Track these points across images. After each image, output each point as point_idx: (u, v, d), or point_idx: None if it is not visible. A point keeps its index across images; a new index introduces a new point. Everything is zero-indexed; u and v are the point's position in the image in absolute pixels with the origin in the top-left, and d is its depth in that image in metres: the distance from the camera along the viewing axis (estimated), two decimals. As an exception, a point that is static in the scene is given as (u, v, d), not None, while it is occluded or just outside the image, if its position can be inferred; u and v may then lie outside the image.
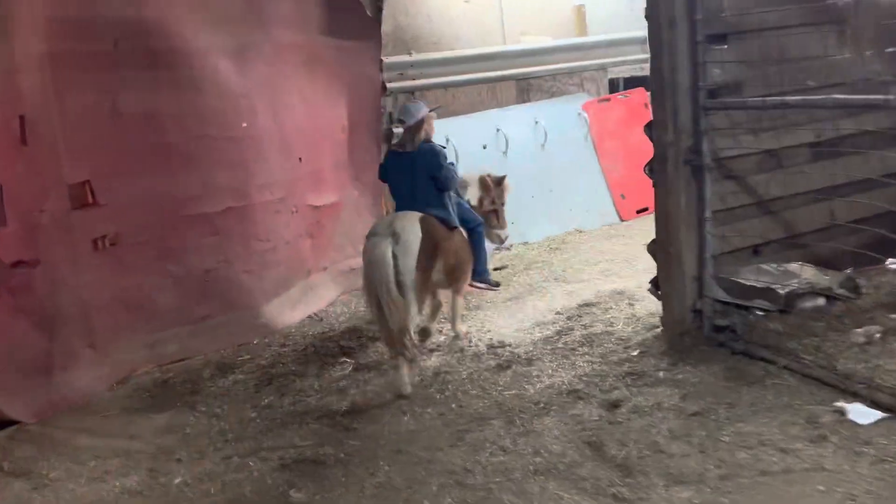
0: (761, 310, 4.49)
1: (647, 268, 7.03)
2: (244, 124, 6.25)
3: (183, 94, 5.80)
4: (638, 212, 9.16)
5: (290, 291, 6.83)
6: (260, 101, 6.43)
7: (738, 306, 4.54)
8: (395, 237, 4.88)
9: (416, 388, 5.02)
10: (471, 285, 6.10)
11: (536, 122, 8.83)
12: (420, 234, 4.95)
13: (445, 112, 8.67)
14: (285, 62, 6.79)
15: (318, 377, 5.49)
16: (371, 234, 5.06)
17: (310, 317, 6.91)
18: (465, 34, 9.01)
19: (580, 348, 5.33)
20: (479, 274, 6.04)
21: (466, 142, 8.40)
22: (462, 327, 5.87)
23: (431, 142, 5.55)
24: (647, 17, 4.65)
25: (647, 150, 9.41)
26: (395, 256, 4.82)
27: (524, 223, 8.44)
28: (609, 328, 5.66)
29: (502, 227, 6.41)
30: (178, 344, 5.97)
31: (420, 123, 5.42)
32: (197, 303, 6.05)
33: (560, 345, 5.45)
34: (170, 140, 5.77)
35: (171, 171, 5.80)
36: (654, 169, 4.74)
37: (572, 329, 5.73)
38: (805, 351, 4.17)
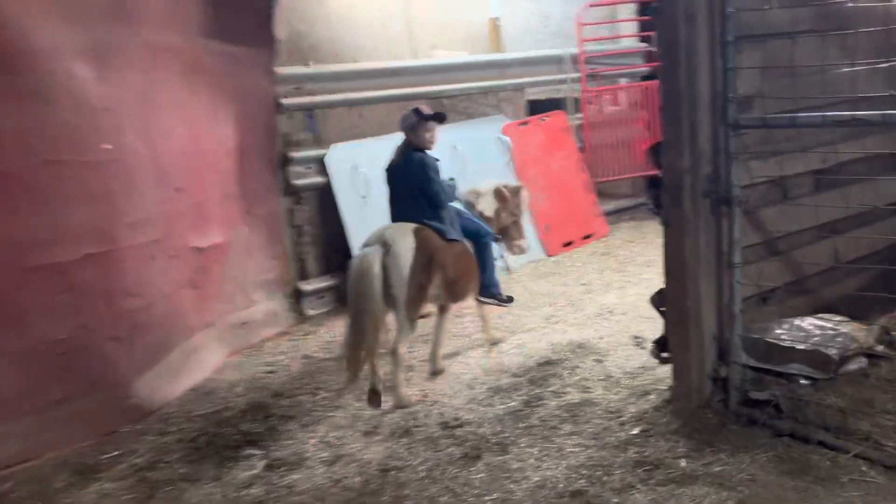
0: (804, 377, 3.57)
1: (597, 313, 6.15)
2: (107, 146, 4.76)
3: (25, 107, 4.28)
4: (564, 245, 8.27)
5: (168, 358, 5.33)
6: (127, 116, 4.97)
7: (775, 373, 3.60)
8: (386, 247, 4.57)
9: (361, 496, 3.74)
10: (478, 300, 5.49)
11: (455, 147, 7.77)
12: (413, 245, 4.62)
13: (355, 133, 7.46)
14: (159, 69, 5.36)
15: (217, 481, 4.08)
16: (362, 246, 4.76)
17: (194, 389, 5.43)
18: (369, 45, 7.83)
19: (562, 426, 4.23)
20: (487, 288, 5.43)
21: (376, 169, 7.22)
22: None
23: (424, 152, 5.06)
24: (657, 10, 3.67)
25: (568, 177, 9.01)
26: (384, 268, 4.52)
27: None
28: (587, 394, 4.62)
29: (522, 237, 5.97)
30: (20, 440, 4.38)
31: (410, 131, 5.05)
32: (46, 384, 4.47)
33: (535, 421, 4.33)
34: (7, 167, 4.22)
35: (11, 207, 4.25)
36: (664, 203, 3.74)
37: (542, 398, 4.63)
38: (884, 434, 3.26)
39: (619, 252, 8.04)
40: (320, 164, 7.13)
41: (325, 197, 7.14)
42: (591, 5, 9.52)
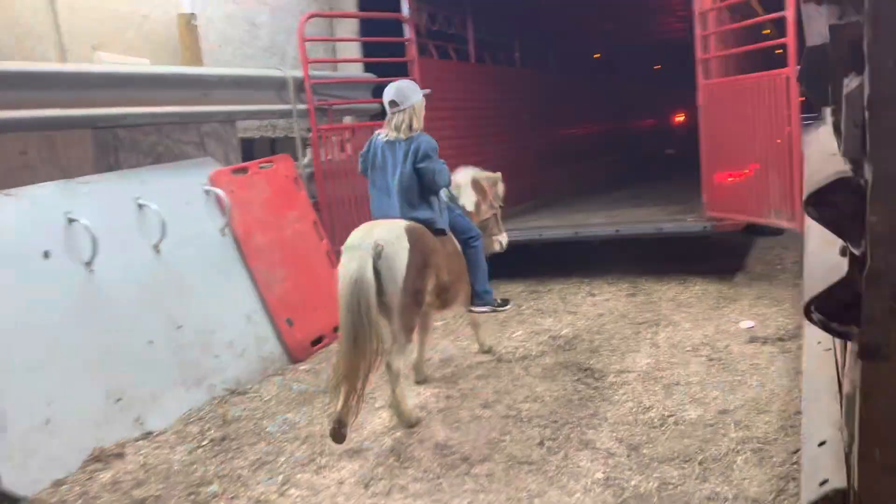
0: None
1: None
2: None
3: None
4: (312, 344, 5.76)
5: None
6: None
7: None
8: (378, 250, 4.05)
9: None
10: (471, 311, 5.01)
11: (141, 206, 4.87)
12: (408, 246, 4.15)
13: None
14: None
15: None
16: (347, 248, 4.14)
17: None
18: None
19: None
20: (480, 296, 4.93)
21: (4, 244, 4.07)
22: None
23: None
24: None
25: (307, 246, 6.44)
26: (377, 273, 4.02)
27: (138, 395, 4.40)
28: None
29: (501, 231, 5.58)
30: None
31: (416, 107, 4.51)
32: None
33: None
34: None
35: None
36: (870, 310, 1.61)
37: None
38: None
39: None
40: None
41: None
42: (312, 16, 7.25)
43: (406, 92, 4.51)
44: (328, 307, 5.59)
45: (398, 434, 4.16)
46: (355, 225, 6.78)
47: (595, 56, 15.50)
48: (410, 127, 4.50)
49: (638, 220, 7.60)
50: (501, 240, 5.52)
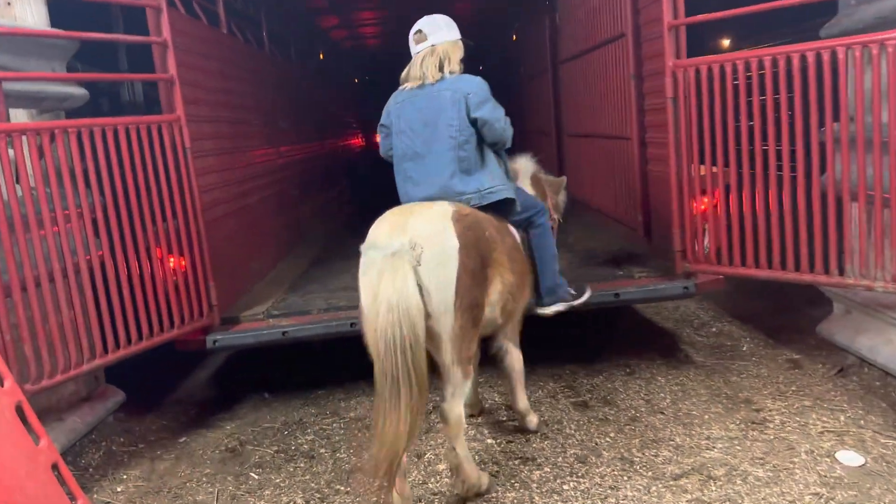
0: None
1: None
2: None
3: None
4: None
5: None
6: None
7: None
8: (416, 251, 2.86)
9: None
10: (540, 313, 3.87)
11: None
12: (457, 244, 2.96)
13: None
14: None
15: None
16: (371, 249, 2.98)
17: None
18: None
19: None
20: (553, 291, 3.85)
21: None
22: (533, 417, 3.79)
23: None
24: None
25: None
26: (419, 288, 2.80)
27: None
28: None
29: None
30: None
31: (449, 48, 3.55)
32: None
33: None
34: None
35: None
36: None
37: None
38: None
39: None
40: None
41: None
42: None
43: (439, 23, 3.56)
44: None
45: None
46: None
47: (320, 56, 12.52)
48: (437, 68, 3.52)
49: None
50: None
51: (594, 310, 4.36)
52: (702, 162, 4.14)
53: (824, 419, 3.72)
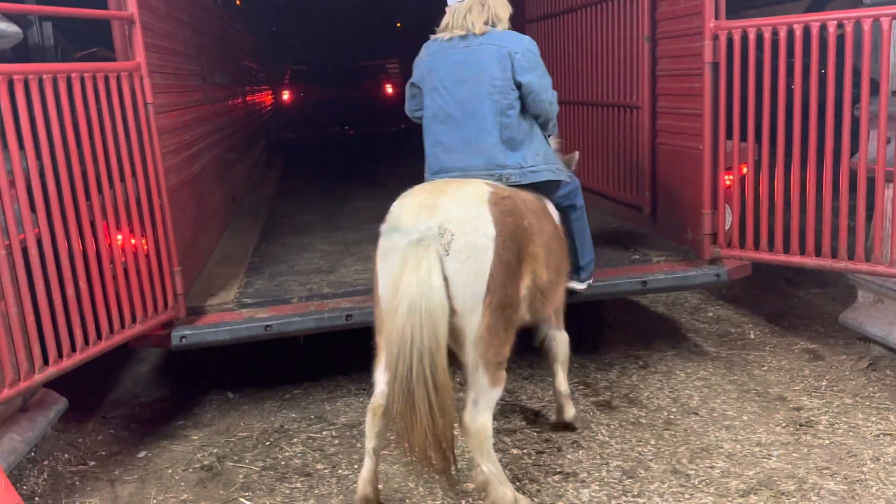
0: None
1: None
2: None
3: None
4: None
5: None
6: None
7: None
8: (445, 237, 2.48)
9: None
10: (572, 288, 3.57)
11: None
12: (493, 232, 2.56)
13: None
14: None
15: None
16: (392, 232, 2.62)
17: None
18: None
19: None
20: (587, 267, 3.64)
21: None
22: (570, 409, 3.44)
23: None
24: None
25: None
26: (446, 280, 2.44)
27: None
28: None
29: None
30: None
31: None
32: None
33: None
34: None
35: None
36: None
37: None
38: None
39: None
40: None
41: None
42: None
43: None
44: None
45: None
46: None
47: None
48: (478, 21, 3.03)
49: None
50: None
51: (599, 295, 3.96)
52: (740, 139, 3.77)
53: (873, 419, 3.47)
